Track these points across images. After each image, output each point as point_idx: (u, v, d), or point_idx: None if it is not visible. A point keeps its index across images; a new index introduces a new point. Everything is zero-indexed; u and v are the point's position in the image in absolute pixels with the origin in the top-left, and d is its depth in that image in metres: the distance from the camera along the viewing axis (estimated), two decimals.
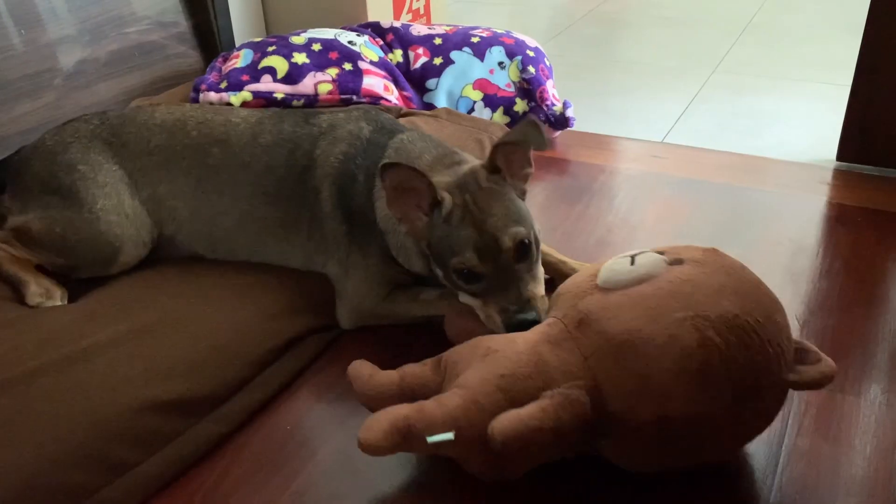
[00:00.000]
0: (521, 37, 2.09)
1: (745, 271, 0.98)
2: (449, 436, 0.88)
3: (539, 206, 1.69)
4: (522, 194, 1.19)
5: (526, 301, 1.08)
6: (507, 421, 0.85)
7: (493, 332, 1.07)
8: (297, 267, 1.35)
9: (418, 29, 2.13)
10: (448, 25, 2.17)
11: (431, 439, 0.88)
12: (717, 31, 2.96)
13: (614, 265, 0.97)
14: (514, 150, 1.14)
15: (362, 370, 1.02)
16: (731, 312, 0.89)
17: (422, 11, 2.58)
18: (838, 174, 1.81)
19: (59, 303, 1.26)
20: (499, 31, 2.10)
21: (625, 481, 0.99)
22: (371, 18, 2.28)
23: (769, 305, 0.94)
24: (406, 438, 0.88)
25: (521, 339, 0.97)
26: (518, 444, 0.85)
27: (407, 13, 2.50)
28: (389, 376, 1.00)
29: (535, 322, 1.05)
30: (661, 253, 0.98)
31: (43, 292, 1.26)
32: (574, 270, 1.27)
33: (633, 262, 0.96)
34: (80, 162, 1.32)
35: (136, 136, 1.36)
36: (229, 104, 1.90)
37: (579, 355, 0.92)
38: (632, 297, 0.92)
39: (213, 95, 1.93)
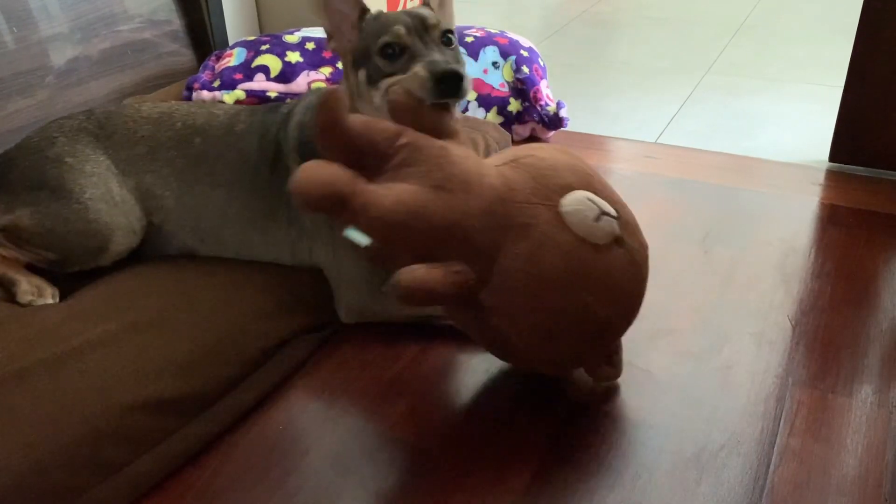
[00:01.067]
0: (515, 37, 2.09)
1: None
2: (364, 241, 0.95)
3: None
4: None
5: (448, 62, 1.14)
6: (410, 277, 0.94)
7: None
8: (286, 262, 1.34)
9: None
10: None
11: (348, 234, 0.95)
12: (711, 32, 2.97)
13: (584, 213, 1.01)
14: None
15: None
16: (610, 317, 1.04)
17: None
18: (830, 175, 1.81)
19: (49, 301, 1.26)
20: (493, 31, 2.10)
21: (613, 474, 0.99)
22: None
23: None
24: (335, 206, 0.94)
25: (489, 181, 1.02)
26: (410, 295, 0.96)
27: None
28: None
29: (459, 76, 1.11)
30: (616, 217, 1.03)
31: (34, 290, 1.26)
32: None
33: (598, 219, 1.01)
34: (66, 154, 1.32)
35: (123, 127, 1.37)
36: (222, 103, 1.90)
37: (502, 245, 1.00)
38: (564, 262, 1.00)
39: (206, 94, 1.93)
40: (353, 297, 1.26)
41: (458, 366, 1.21)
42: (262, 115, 1.37)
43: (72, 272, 1.31)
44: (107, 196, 1.31)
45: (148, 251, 1.37)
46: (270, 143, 1.33)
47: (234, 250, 1.36)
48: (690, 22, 3.13)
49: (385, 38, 1.16)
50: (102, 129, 1.36)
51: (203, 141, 1.35)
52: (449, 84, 1.11)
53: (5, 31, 1.79)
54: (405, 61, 1.16)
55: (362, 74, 1.21)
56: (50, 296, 1.26)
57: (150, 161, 1.35)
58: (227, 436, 1.08)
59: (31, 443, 0.94)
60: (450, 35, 1.20)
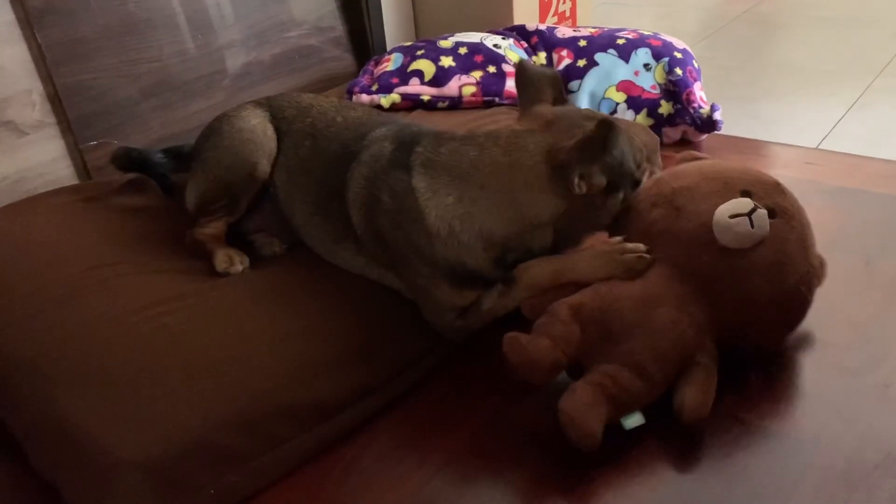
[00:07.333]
0: (668, 38, 2.06)
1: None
2: (640, 420, 1.04)
3: None
4: None
5: None
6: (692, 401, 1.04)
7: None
8: (374, 279, 1.33)
9: (563, 31, 2.14)
10: (594, 27, 2.17)
11: (626, 423, 1.04)
12: (882, 32, 2.79)
13: (735, 227, 1.08)
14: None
15: (517, 342, 1.07)
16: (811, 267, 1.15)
17: (567, 14, 2.59)
18: None
19: (239, 268, 1.36)
20: (646, 33, 2.08)
21: (754, 485, 0.97)
22: (517, 22, 2.32)
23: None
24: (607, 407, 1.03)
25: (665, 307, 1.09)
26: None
27: (553, 16, 2.52)
28: (542, 350, 1.06)
29: None
30: (748, 193, 1.13)
31: (227, 260, 1.37)
32: None
33: (752, 225, 1.08)
34: (232, 112, 1.47)
35: (279, 101, 1.48)
36: (380, 106, 2.00)
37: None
38: (756, 263, 1.09)
39: (364, 98, 2.03)
40: (437, 321, 1.23)
41: None
42: (345, 145, 1.33)
43: (242, 215, 1.42)
44: (248, 120, 1.42)
45: (269, 218, 1.44)
46: (338, 180, 1.30)
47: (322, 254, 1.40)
48: (861, 22, 2.95)
49: (643, 171, 1.23)
50: (266, 101, 1.50)
51: (309, 148, 1.38)
52: None
53: (190, 38, 1.97)
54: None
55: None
56: (239, 263, 1.37)
57: (281, 142, 1.42)
58: (378, 417, 1.15)
59: (209, 408, 1.05)
60: None
